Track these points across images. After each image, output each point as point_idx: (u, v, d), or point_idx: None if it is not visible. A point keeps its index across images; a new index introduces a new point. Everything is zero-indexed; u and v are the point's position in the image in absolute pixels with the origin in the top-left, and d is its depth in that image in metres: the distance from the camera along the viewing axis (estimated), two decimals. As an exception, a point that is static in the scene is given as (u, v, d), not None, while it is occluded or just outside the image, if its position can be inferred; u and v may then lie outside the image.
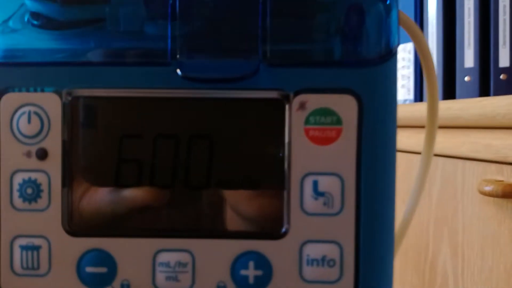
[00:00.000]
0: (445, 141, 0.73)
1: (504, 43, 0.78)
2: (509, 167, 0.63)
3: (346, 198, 0.24)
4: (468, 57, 0.85)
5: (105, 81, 0.24)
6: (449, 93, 0.88)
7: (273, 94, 0.24)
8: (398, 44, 0.24)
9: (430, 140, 0.29)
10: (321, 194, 0.24)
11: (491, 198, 0.65)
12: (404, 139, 0.79)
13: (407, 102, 0.99)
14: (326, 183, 0.24)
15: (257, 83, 0.24)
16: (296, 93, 0.23)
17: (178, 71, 0.23)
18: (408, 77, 0.99)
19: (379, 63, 0.23)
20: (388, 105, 0.24)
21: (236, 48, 0.23)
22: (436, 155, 0.76)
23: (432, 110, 0.29)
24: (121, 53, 0.24)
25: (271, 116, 0.24)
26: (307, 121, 0.23)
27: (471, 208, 0.70)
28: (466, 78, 0.85)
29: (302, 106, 0.23)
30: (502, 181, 0.62)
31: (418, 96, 0.98)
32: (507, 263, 0.63)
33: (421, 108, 0.78)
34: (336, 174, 0.24)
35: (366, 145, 0.23)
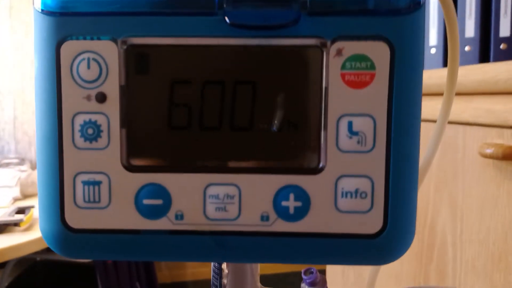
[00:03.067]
0: (446, 108, 0.75)
1: (506, 12, 0.79)
2: (509, 130, 0.65)
3: (377, 137, 0.26)
4: (469, 27, 0.87)
5: (157, 30, 0.26)
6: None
7: (312, 41, 0.26)
8: (426, -4, 0.26)
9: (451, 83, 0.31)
10: (355, 133, 0.26)
11: (491, 161, 0.68)
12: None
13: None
14: (360, 123, 0.26)
15: (297, 31, 0.26)
16: (334, 41, 0.26)
17: (226, 18, 0.26)
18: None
19: (410, 12, 0.26)
20: (417, 52, 0.26)
21: None
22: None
23: (453, 67, 0.32)
24: (172, 3, 0.26)
25: (310, 63, 0.26)
26: (343, 66, 0.26)
27: (471, 171, 0.73)
28: (467, 48, 0.87)
29: (339, 52, 0.26)
30: (503, 144, 0.65)
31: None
32: (504, 223, 0.66)
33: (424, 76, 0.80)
34: (369, 115, 0.26)
35: (397, 88, 0.26)
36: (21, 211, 1.58)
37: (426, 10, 0.93)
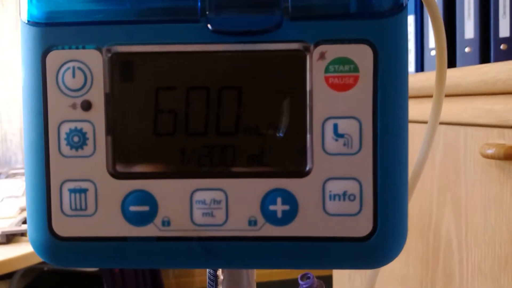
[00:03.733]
0: (446, 109, 0.75)
1: (504, 13, 0.79)
2: (510, 130, 0.65)
3: (363, 139, 0.26)
4: (469, 28, 0.87)
5: (141, 37, 0.26)
6: (450, 64, 0.90)
7: (295, 46, 0.26)
8: (408, -2, 0.26)
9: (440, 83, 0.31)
10: (341, 135, 0.26)
11: (493, 161, 0.67)
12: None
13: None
14: (345, 126, 0.26)
15: (280, 36, 0.26)
16: (316, 44, 0.26)
17: (209, 25, 0.26)
18: (409, 50, 1.01)
19: (392, 14, 0.26)
20: (400, 53, 0.26)
21: (261, 3, 0.26)
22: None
23: (441, 68, 0.32)
24: (155, 11, 0.26)
25: (294, 67, 0.26)
26: (327, 70, 0.26)
27: (473, 172, 0.72)
28: (467, 49, 0.87)
29: (322, 56, 0.26)
30: (504, 144, 0.64)
31: (419, 69, 1.00)
32: (509, 224, 0.65)
33: (422, 78, 0.80)
34: (354, 117, 0.26)
35: (381, 90, 0.26)
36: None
37: (423, 14, 0.93)
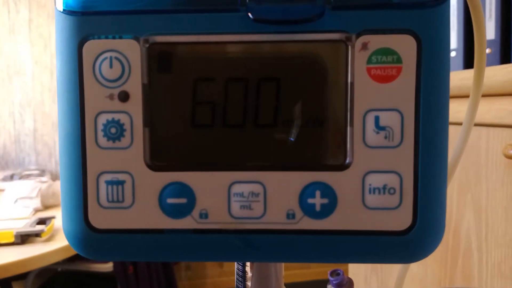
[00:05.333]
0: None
1: (526, 13, 0.79)
2: (534, 131, 0.64)
3: (405, 132, 0.25)
4: (490, 29, 0.86)
5: (179, 27, 0.26)
6: (470, 65, 0.89)
7: (336, 36, 0.26)
8: (452, -12, 0.25)
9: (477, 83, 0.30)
10: (382, 128, 0.26)
11: (516, 162, 0.67)
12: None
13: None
14: (387, 118, 0.25)
15: (321, 26, 0.25)
16: (359, 35, 0.25)
17: (250, 14, 0.25)
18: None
19: (436, 5, 0.25)
20: (443, 44, 0.25)
21: None
22: (459, 123, 0.77)
23: (480, 67, 0.31)
24: (194, 0, 0.26)
25: (335, 57, 0.26)
26: (369, 61, 0.25)
27: (495, 173, 0.71)
28: (488, 50, 0.86)
29: (364, 46, 0.25)
30: (528, 144, 0.64)
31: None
32: (531, 226, 0.65)
33: (454, 78, 0.79)
34: (396, 110, 0.25)
35: (424, 82, 0.25)
36: (42, 222, 1.59)
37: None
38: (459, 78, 0.76)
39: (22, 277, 1.73)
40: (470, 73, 0.73)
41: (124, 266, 1.89)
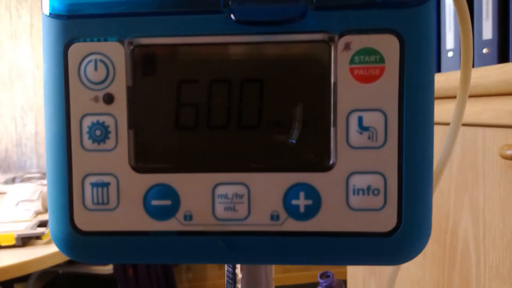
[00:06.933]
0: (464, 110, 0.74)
1: (523, 13, 0.78)
2: (530, 131, 0.64)
3: (389, 132, 0.25)
4: (487, 29, 0.86)
5: (163, 29, 0.26)
6: (468, 65, 0.89)
7: (319, 36, 0.26)
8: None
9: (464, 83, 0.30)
10: (366, 128, 0.26)
11: (513, 162, 0.66)
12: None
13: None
14: (370, 119, 0.25)
15: (304, 26, 0.25)
16: (341, 35, 0.25)
17: (232, 16, 0.25)
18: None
19: (419, 4, 0.25)
20: (427, 44, 0.25)
21: None
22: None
23: (467, 67, 0.31)
24: (178, 2, 0.26)
25: (318, 58, 0.26)
26: (352, 61, 0.25)
27: (492, 173, 0.71)
28: (485, 50, 0.86)
29: (347, 46, 0.25)
30: (524, 144, 0.64)
31: (437, 69, 0.99)
32: (528, 226, 0.64)
33: (440, 79, 0.79)
34: (379, 110, 0.25)
35: (407, 81, 0.25)
36: (43, 224, 1.60)
37: (442, 14, 0.92)
38: (455, 78, 0.76)
39: (23, 279, 1.73)
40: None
41: (124, 269, 1.89)
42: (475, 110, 0.72)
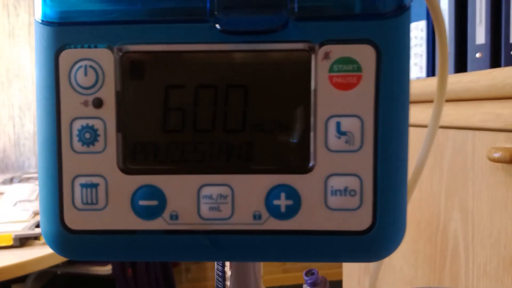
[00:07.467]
0: (455, 113, 0.75)
1: (515, 18, 0.79)
2: (517, 134, 0.65)
3: (365, 137, 0.27)
4: (480, 34, 0.87)
5: (151, 37, 0.27)
6: (461, 69, 0.90)
7: (300, 46, 0.27)
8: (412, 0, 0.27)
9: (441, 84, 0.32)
10: (343, 133, 0.27)
11: (500, 165, 0.68)
12: (417, 113, 0.82)
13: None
14: (348, 124, 0.27)
15: (286, 36, 0.27)
16: (321, 44, 0.27)
17: (217, 25, 0.27)
18: (421, 55, 1.01)
19: (395, 16, 0.26)
20: (403, 54, 0.27)
21: (267, 4, 0.27)
22: (447, 127, 0.79)
23: (443, 71, 0.32)
24: (165, 12, 0.27)
25: (299, 66, 0.27)
26: (331, 69, 0.27)
27: (481, 176, 0.72)
28: (478, 55, 0.87)
29: (326, 56, 0.27)
30: (511, 147, 0.65)
31: (430, 73, 1.00)
32: (516, 227, 0.66)
33: (433, 83, 0.80)
34: (356, 116, 0.27)
35: (383, 89, 0.26)
36: (40, 224, 1.60)
37: (431, 20, 0.93)
38: (449, 81, 0.77)
39: (21, 280, 1.74)
40: (458, 77, 0.74)
41: (123, 269, 1.90)
42: (467, 114, 0.74)
